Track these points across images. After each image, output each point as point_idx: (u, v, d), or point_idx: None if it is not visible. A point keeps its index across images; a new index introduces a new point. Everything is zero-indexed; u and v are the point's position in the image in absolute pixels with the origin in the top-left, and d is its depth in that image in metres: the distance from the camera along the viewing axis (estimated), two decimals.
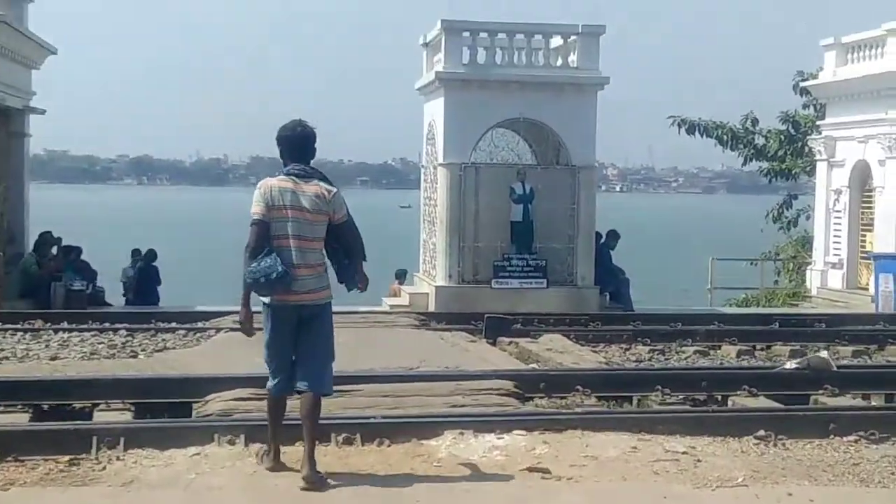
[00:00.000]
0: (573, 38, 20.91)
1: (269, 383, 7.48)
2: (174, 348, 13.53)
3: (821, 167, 26.33)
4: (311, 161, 7.53)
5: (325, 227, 7.35)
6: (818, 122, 27.47)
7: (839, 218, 25.57)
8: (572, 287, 20.48)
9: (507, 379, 10.43)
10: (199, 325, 15.88)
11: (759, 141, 31.81)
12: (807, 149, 29.23)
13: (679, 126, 31.46)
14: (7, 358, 12.66)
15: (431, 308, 20.08)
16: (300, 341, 7.35)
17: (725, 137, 31.57)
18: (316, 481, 7.16)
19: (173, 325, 15.90)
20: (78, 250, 21.64)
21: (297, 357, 7.38)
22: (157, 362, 12.13)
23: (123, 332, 14.61)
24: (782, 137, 30.72)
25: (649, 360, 13.83)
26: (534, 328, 15.40)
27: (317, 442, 7.45)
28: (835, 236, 25.70)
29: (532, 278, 20.12)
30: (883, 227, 23.87)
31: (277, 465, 7.50)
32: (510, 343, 13.70)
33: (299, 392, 7.40)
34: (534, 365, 12.13)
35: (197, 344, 13.94)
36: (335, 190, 7.40)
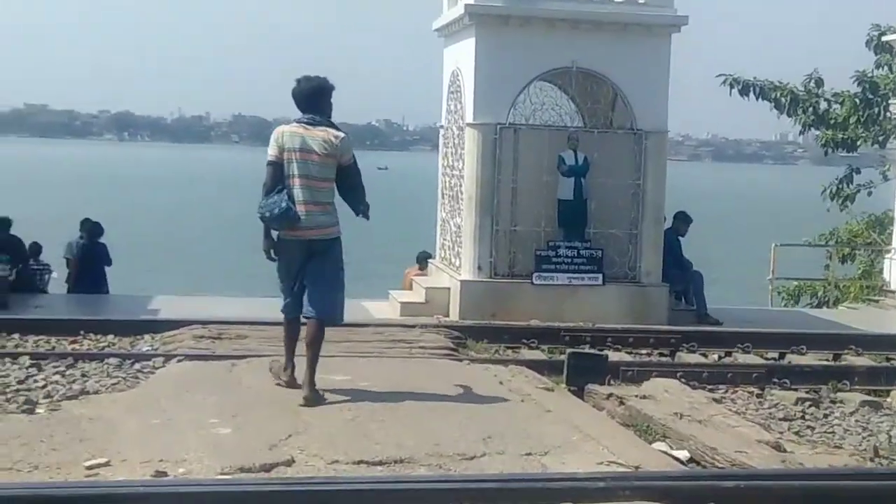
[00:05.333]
0: None
1: (282, 304, 8.23)
2: (96, 392, 8.77)
3: None
4: (329, 114, 8.07)
5: (334, 169, 7.98)
6: None
7: None
8: (635, 284, 16.05)
9: (656, 494, 5.93)
10: (143, 342, 11.30)
11: (822, 105, 27.21)
12: (886, 114, 24.84)
13: (731, 86, 26.85)
14: None
15: (455, 307, 15.66)
16: (308, 272, 7.95)
17: (784, 101, 26.97)
18: (314, 400, 7.79)
19: (109, 338, 11.37)
20: (4, 222, 16.97)
21: (306, 286, 7.98)
22: (62, 424, 7.54)
23: (27, 360, 9.94)
24: (857, 101, 26.07)
25: (801, 416, 9.38)
26: (622, 363, 10.85)
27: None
28: None
29: (584, 272, 15.71)
30: None
31: (292, 381, 8.10)
32: (609, 396, 8.92)
33: (307, 318, 8.02)
34: (662, 446, 7.54)
35: (133, 382, 9.23)
36: (343, 135, 7.99)
